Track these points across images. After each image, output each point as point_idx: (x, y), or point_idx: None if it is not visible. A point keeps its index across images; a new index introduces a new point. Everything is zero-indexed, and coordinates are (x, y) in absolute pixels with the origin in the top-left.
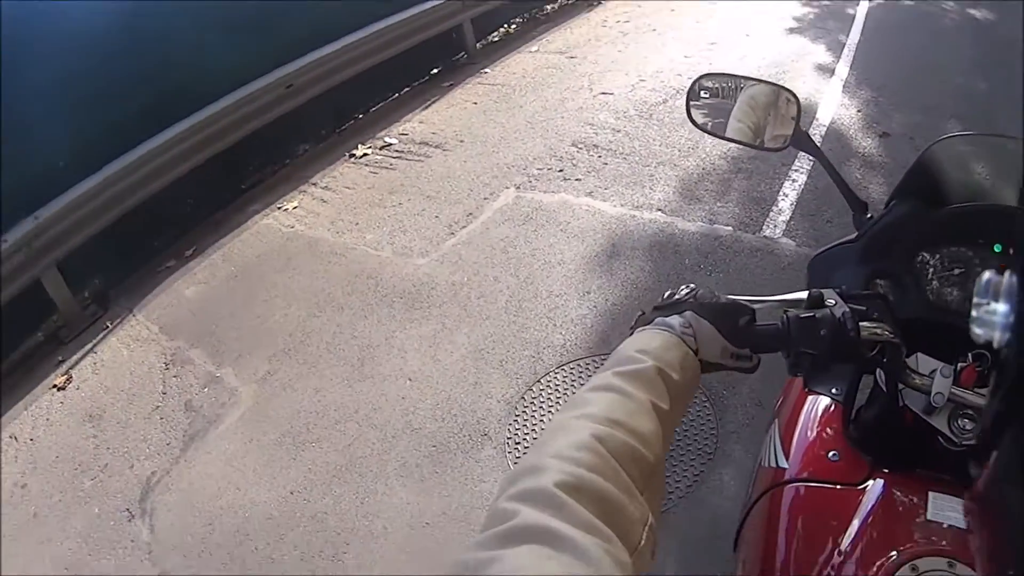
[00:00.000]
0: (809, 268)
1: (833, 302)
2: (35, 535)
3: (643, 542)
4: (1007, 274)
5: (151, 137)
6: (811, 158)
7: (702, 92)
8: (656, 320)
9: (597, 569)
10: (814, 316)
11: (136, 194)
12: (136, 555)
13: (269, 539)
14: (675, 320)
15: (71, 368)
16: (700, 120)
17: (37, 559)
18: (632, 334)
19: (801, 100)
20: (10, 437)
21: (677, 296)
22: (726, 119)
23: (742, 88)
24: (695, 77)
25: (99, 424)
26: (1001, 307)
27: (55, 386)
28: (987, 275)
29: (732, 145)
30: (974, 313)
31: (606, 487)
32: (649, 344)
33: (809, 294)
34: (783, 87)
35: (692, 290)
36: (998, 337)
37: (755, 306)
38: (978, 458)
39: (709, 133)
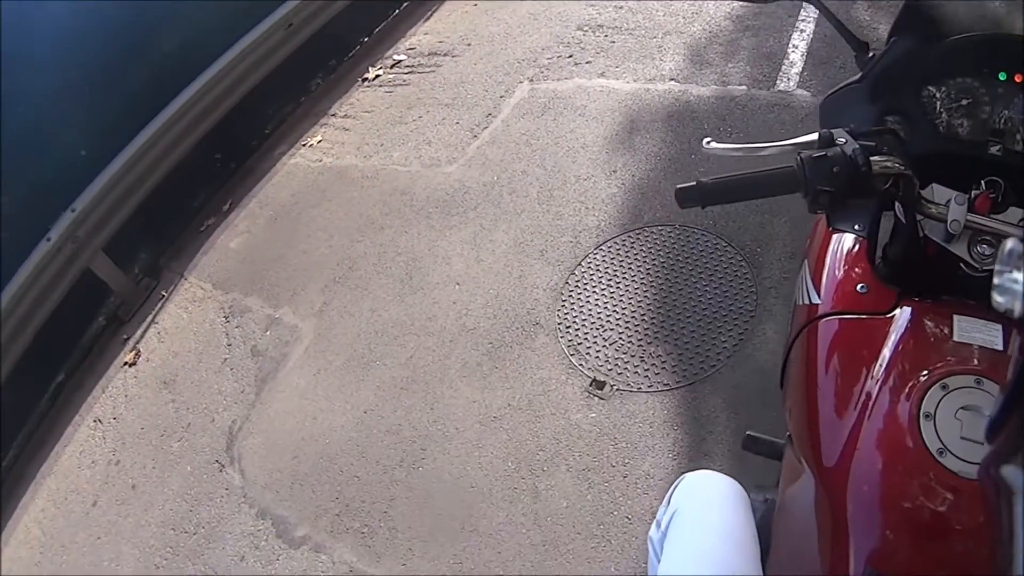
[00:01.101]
0: (820, 111)
1: (843, 140)
2: (138, 504)
3: None
4: None
5: (166, 106)
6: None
7: None
8: None
9: None
10: (826, 155)
11: (163, 164)
12: (233, 500)
13: (351, 459)
14: None
15: (137, 343)
16: None
17: (143, 526)
18: None
19: None
20: (95, 421)
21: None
22: None
23: None
24: None
25: (174, 388)
26: (1022, 276)
27: (126, 363)
28: (1010, 244)
29: (734, 4)
30: (996, 281)
31: None
32: None
33: (820, 134)
34: None
35: None
36: (1019, 307)
37: (769, 151)
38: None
39: None
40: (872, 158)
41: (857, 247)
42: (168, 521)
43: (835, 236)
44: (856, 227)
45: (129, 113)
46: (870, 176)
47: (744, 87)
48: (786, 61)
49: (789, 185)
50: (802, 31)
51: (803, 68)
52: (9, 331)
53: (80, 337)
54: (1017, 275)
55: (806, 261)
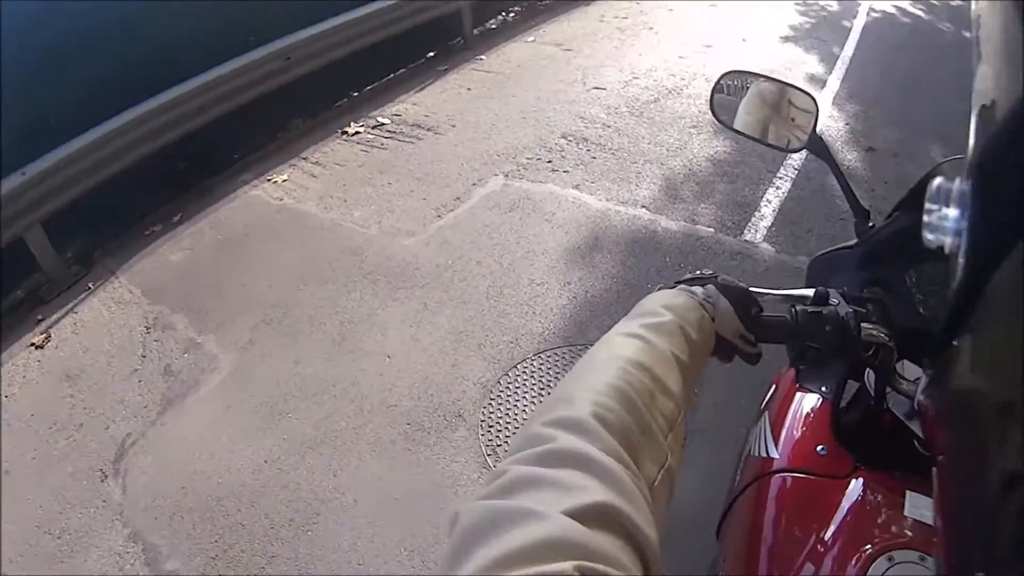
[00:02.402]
0: (809, 268)
1: (837, 301)
2: (7, 492)
3: (658, 482)
4: (958, 180)
5: (147, 99)
6: (797, 167)
7: (727, 87)
8: (679, 286)
9: (629, 496)
10: (821, 312)
11: (127, 156)
12: (107, 514)
13: (241, 505)
14: (697, 288)
15: (51, 327)
16: (722, 114)
17: (7, 515)
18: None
19: None
20: None
21: (700, 274)
22: (746, 116)
23: (759, 84)
24: (723, 72)
25: (76, 384)
26: (952, 212)
27: (33, 344)
28: (938, 181)
29: (720, 148)
30: (925, 219)
31: (631, 424)
32: (672, 301)
33: (816, 291)
34: (803, 90)
35: (714, 273)
36: (949, 242)
37: (762, 298)
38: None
39: (729, 128)
40: (862, 324)
41: (820, 408)
42: (34, 518)
43: (799, 394)
44: (823, 388)
45: (115, 93)
46: (857, 341)
47: (712, 229)
48: (757, 213)
49: (777, 335)
50: (778, 188)
51: (772, 223)
52: None
53: None
54: (946, 211)
55: (766, 414)
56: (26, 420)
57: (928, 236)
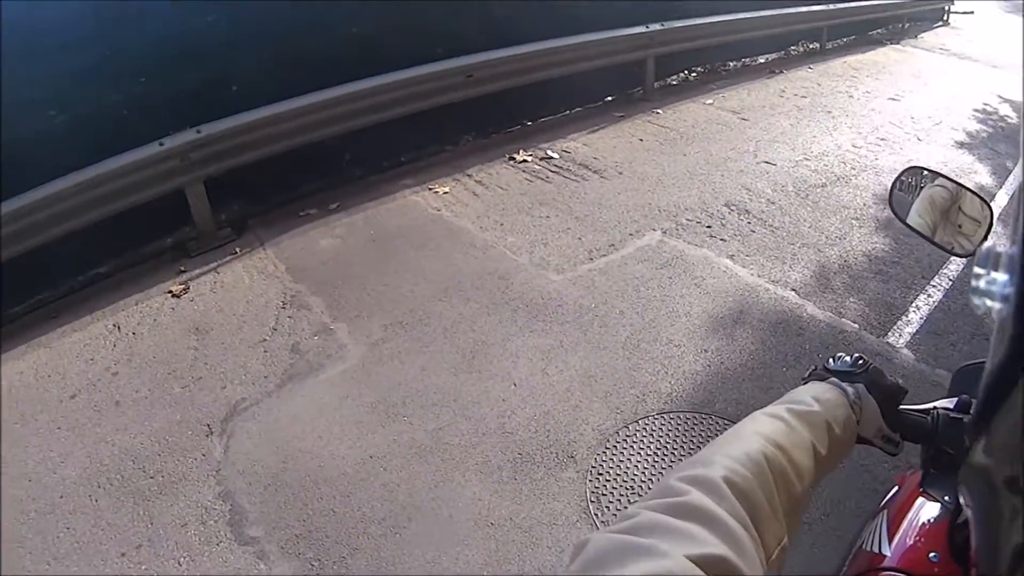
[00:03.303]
0: (953, 377)
1: None
2: (114, 421)
3: (774, 558)
4: (1008, 245)
5: (336, 86)
6: (952, 278)
7: (905, 183)
8: (831, 380)
9: (747, 559)
10: (962, 419)
11: (302, 136)
12: (204, 468)
13: (336, 493)
14: (848, 387)
15: (191, 280)
16: (898, 208)
17: (106, 443)
18: (805, 383)
19: None
20: (113, 325)
21: (850, 361)
22: (917, 216)
23: (932, 187)
24: (906, 166)
25: (204, 339)
26: (1001, 277)
27: (171, 292)
28: (987, 245)
29: (878, 245)
30: (973, 283)
31: (760, 497)
32: (823, 395)
33: (959, 399)
34: (982, 197)
35: (865, 363)
36: (997, 308)
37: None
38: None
39: (902, 222)
40: None
41: (940, 516)
42: (132, 452)
43: (921, 499)
44: (946, 498)
45: (308, 74)
46: None
47: (856, 325)
48: (904, 317)
49: (916, 435)
50: (929, 296)
51: (917, 330)
52: (82, 203)
53: (142, 245)
54: (995, 276)
55: (885, 511)
56: (147, 360)
57: (975, 301)
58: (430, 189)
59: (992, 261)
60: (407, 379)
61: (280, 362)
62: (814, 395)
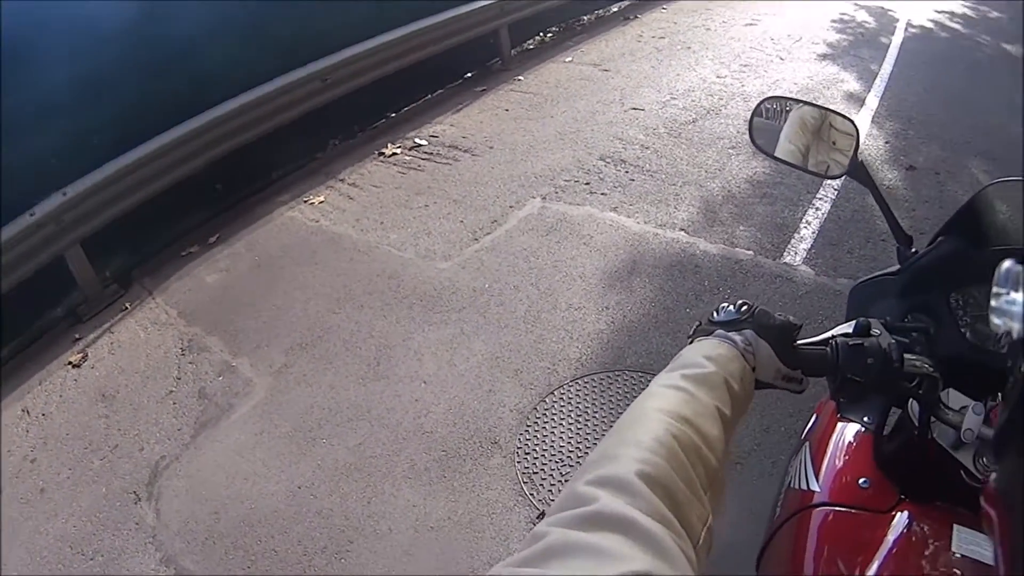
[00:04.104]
0: (850, 296)
1: (879, 332)
2: (41, 509)
3: (701, 541)
4: None
5: (185, 120)
6: (836, 188)
7: (764, 114)
8: (718, 332)
9: (672, 562)
10: (862, 344)
11: (165, 176)
12: (140, 537)
13: (274, 532)
14: (736, 336)
15: (88, 346)
16: (759, 140)
17: (40, 534)
18: (692, 342)
19: None
20: (22, 410)
21: (734, 310)
22: (787, 143)
23: (799, 110)
24: (761, 98)
25: (112, 404)
26: (1020, 296)
27: (71, 363)
28: (1007, 264)
29: (759, 169)
30: (993, 303)
31: (677, 482)
32: (713, 352)
33: (857, 322)
34: (843, 114)
35: (750, 308)
36: (1017, 328)
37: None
38: (996, 453)
39: (767, 155)
40: (905, 355)
41: (862, 439)
42: (68, 537)
43: (841, 424)
44: (865, 419)
45: (155, 114)
46: (900, 372)
47: (751, 252)
48: (796, 235)
49: (818, 368)
50: (818, 208)
51: (812, 245)
52: None
53: (33, 322)
54: (1015, 296)
55: (807, 444)
56: (62, 439)
57: (995, 321)
58: (305, 202)
59: (1012, 280)
60: (317, 400)
61: (190, 411)
62: (705, 354)
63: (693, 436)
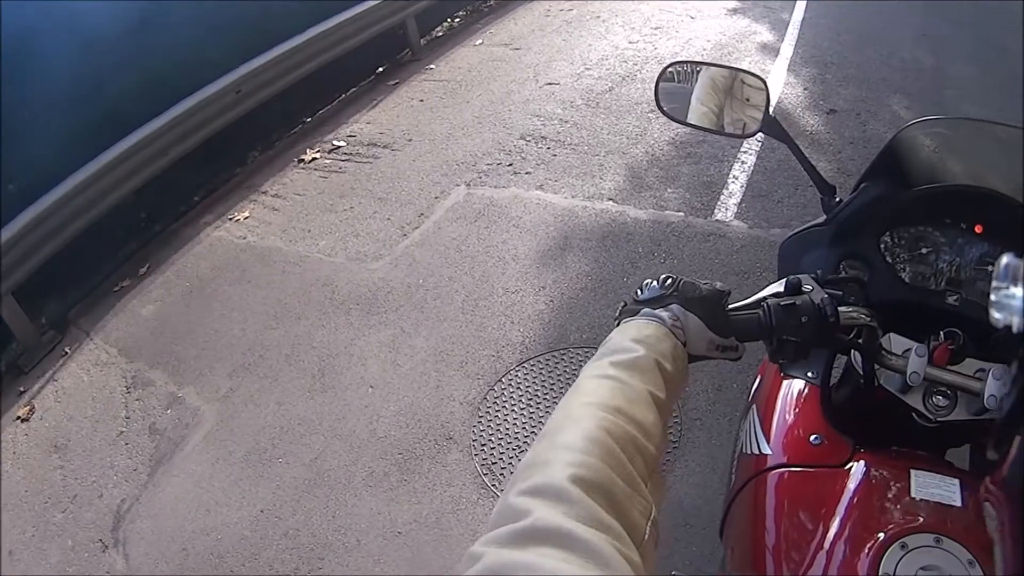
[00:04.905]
0: (780, 251)
1: (810, 288)
2: (11, 572)
3: (647, 536)
4: None
5: (98, 155)
6: (760, 140)
7: (672, 79)
8: (644, 312)
9: (615, 568)
10: (794, 303)
11: (87, 213)
12: None
13: (243, 560)
14: (663, 313)
15: (33, 398)
16: (668, 107)
17: None
18: (618, 324)
19: None
20: None
21: (658, 286)
22: (700, 106)
23: (708, 72)
24: (665, 64)
25: (65, 454)
26: (1020, 291)
27: (19, 417)
28: (1006, 259)
29: (681, 130)
30: (993, 297)
31: (615, 480)
32: (641, 334)
33: (787, 281)
34: (751, 72)
35: (674, 281)
36: (1017, 322)
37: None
38: (994, 439)
39: (677, 121)
40: (840, 308)
41: (809, 394)
42: None
43: (785, 382)
44: (809, 374)
45: (65, 153)
46: (837, 326)
47: (681, 213)
48: (725, 191)
49: (752, 333)
50: (743, 163)
51: (741, 199)
52: None
53: None
54: (1014, 290)
55: (754, 407)
56: (21, 496)
57: (996, 315)
58: (231, 219)
59: (1012, 275)
60: (268, 420)
61: (144, 449)
62: (632, 337)
63: (628, 427)
